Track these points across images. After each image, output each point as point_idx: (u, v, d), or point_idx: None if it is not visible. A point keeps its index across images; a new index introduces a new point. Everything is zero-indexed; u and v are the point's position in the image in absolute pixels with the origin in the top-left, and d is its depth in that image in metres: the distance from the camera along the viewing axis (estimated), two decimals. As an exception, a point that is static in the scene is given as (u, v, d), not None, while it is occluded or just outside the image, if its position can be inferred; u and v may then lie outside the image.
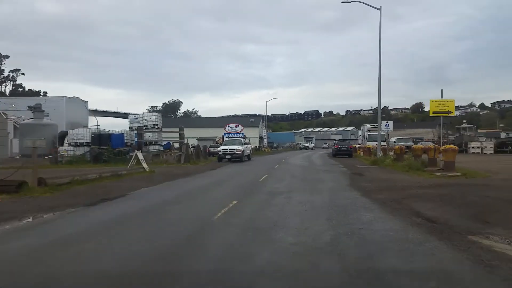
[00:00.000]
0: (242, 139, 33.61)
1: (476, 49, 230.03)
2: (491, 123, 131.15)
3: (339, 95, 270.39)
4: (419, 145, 24.38)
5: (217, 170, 23.01)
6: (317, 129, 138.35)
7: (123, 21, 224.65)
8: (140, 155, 20.34)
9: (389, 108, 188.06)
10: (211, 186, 14.26)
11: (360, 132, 56.48)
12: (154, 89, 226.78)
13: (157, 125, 31.04)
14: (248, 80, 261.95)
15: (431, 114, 18.67)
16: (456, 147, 17.25)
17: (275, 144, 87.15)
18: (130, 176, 17.60)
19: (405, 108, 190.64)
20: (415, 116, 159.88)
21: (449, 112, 18.28)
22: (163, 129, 33.67)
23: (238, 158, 30.86)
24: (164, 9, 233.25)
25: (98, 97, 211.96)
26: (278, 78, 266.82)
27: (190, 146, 31.49)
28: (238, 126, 52.60)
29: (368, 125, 50.47)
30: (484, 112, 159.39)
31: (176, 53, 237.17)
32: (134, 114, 32.89)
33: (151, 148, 30.35)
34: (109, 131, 31.15)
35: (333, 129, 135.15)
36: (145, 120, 30.74)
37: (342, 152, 40.31)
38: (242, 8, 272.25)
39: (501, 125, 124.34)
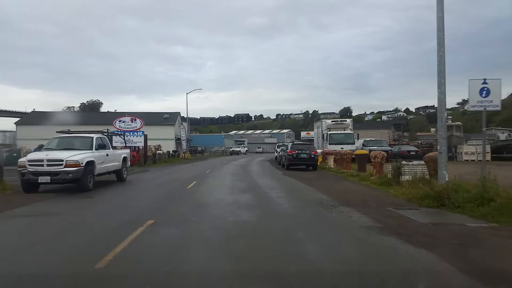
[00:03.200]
0: (93, 137, 13.44)
1: (393, 59, 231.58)
2: (420, 127, 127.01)
3: (269, 100, 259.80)
4: None
5: None
6: (250, 132, 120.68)
7: (40, 18, 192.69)
8: None
9: (319, 112, 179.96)
10: None
11: (314, 132, 38.76)
12: (75, 89, 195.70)
13: None
14: (178, 82, 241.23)
15: None
16: None
17: (200, 148, 67.85)
18: None
19: (333, 113, 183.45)
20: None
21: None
22: None
23: (73, 181, 11.55)
24: (84, 6, 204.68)
25: (15, 97, 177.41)
26: (209, 81, 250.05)
27: None
28: (136, 120, 32.68)
29: (328, 121, 33.28)
30: (411, 116, 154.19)
31: (99, 53, 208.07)
32: None
33: None
34: None
35: (267, 131, 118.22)
36: None
37: (302, 162, 22.63)
38: (169, 8, 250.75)
39: (432, 129, 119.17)
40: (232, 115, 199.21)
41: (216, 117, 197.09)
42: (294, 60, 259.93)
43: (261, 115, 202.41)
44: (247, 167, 26.51)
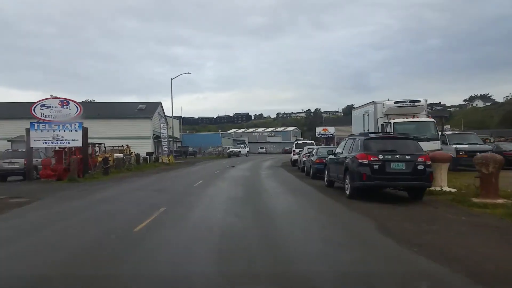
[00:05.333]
0: None
1: (393, 57, 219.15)
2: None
3: (268, 100, 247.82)
4: None
5: None
6: (250, 130, 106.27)
7: (40, 19, 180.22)
8: None
9: (321, 110, 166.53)
10: None
11: (353, 123, 24.15)
12: (75, 91, 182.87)
13: None
14: (177, 83, 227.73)
15: None
16: None
17: (191, 150, 54.08)
18: None
19: (336, 111, 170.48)
20: (348, 118, 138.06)
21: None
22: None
23: None
24: (84, 7, 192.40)
25: (13, 100, 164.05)
26: (208, 82, 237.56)
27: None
28: (69, 105, 19.19)
29: (389, 103, 19.32)
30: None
31: (99, 54, 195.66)
32: None
33: None
34: None
35: (270, 129, 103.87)
36: None
37: (397, 180, 9.00)
38: (168, 9, 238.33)
39: (446, 126, 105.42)
40: (232, 115, 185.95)
41: (215, 117, 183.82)
42: (294, 59, 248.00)
43: (261, 114, 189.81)
44: (259, 186, 12.90)
